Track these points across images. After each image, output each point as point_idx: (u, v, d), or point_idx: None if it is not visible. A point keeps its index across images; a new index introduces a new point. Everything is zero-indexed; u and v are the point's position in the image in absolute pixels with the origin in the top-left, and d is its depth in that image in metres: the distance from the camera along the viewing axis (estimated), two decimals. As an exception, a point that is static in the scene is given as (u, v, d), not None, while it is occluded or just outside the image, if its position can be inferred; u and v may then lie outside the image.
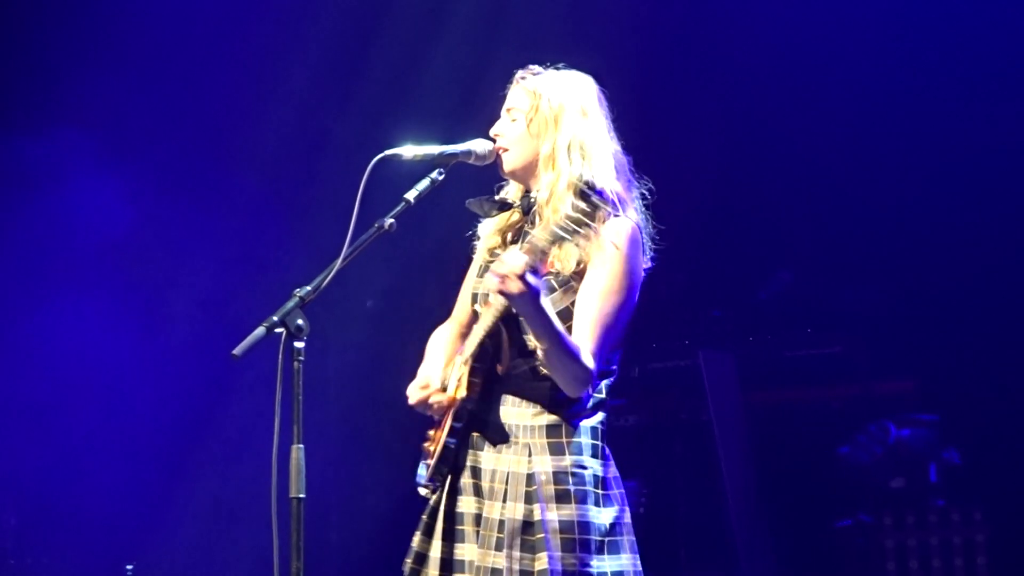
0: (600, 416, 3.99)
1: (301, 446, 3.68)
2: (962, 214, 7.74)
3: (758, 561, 7.84)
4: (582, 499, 3.86)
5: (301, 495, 3.67)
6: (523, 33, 7.98)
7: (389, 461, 8.35)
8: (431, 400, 4.05)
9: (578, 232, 3.68)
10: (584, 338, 3.85)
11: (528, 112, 4.04)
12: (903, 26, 7.76)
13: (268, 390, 3.69)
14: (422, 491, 4.07)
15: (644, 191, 4.10)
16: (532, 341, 3.89)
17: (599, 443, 3.96)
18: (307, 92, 8.28)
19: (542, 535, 3.81)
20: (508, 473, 3.90)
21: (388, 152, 4.02)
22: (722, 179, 8.04)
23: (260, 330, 3.68)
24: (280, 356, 3.69)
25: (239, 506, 7.81)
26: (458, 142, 4.12)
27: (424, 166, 4.06)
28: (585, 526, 3.85)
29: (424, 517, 4.06)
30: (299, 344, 3.70)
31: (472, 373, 3.96)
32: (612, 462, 3.99)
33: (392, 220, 3.90)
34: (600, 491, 3.91)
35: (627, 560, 3.92)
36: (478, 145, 4.12)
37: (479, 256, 4.21)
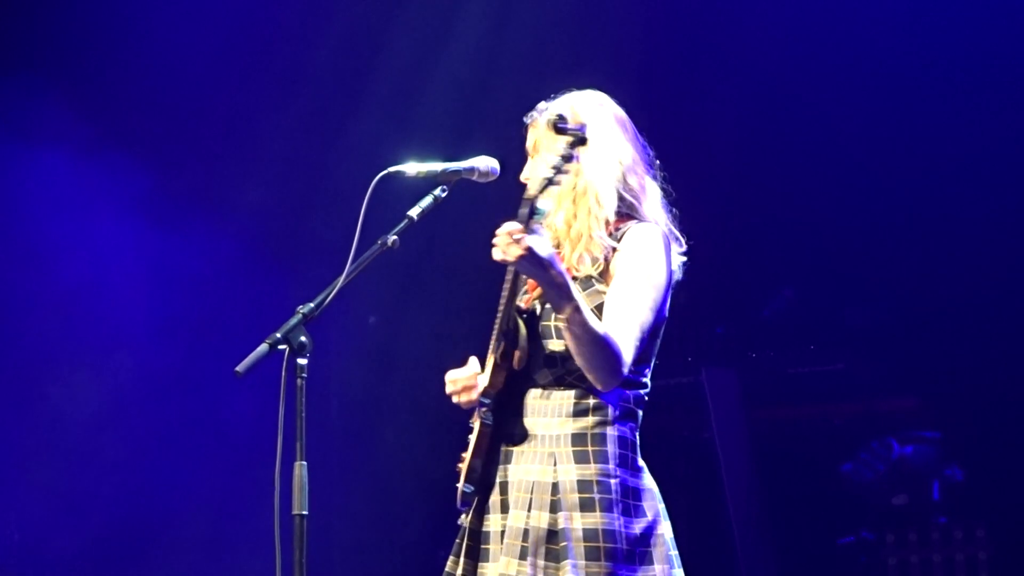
0: (629, 427, 3.96)
1: (304, 463, 3.68)
2: (965, 231, 7.74)
3: (761, 578, 7.84)
4: (607, 508, 3.83)
5: (304, 512, 3.67)
6: (526, 50, 8.00)
7: (392, 477, 8.35)
8: (462, 381, 4.04)
9: (561, 170, 3.72)
10: (613, 327, 3.83)
11: None
12: (910, 44, 7.76)
13: (271, 407, 3.69)
14: (461, 519, 4.05)
15: (668, 188, 4.14)
16: (553, 345, 3.90)
17: (628, 453, 3.92)
18: (310, 109, 8.29)
19: (565, 543, 3.81)
20: (533, 483, 3.89)
21: (391, 169, 4.03)
22: (725, 196, 8.04)
23: (263, 347, 3.69)
24: (283, 373, 3.70)
25: (242, 523, 7.79)
26: (461, 159, 4.13)
27: (427, 183, 4.07)
28: (610, 534, 3.82)
29: (456, 539, 4.05)
30: (302, 361, 3.71)
31: (496, 369, 3.94)
32: (645, 473, 3.96)
33: (395, 237, 3.90)
34: (629, 501, 3.88)
35: (659, 570, 3.89)
36: (481, 162, 4.13)
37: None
